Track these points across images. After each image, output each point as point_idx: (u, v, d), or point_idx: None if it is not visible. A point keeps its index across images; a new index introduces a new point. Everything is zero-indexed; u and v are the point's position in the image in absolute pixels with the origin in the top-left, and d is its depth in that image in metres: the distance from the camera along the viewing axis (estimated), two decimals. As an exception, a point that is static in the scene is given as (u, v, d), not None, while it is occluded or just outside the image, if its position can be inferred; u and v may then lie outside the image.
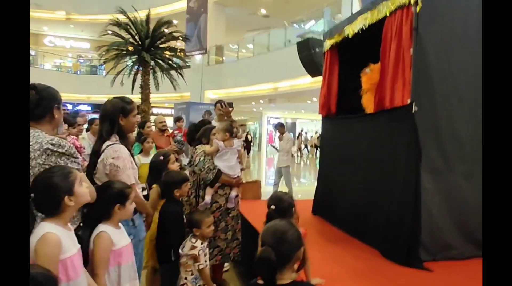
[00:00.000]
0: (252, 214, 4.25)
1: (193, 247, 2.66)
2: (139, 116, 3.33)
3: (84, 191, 1.73)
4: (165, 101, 18.99)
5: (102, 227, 2.04)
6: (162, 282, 2.96)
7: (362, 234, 3.61)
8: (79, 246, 1.74)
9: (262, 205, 5.63)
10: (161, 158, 3.28)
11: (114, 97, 2.70)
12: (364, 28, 3.62)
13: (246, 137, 21.43)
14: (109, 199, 2.05)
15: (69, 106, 18.98)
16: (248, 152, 21.04)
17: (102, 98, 17.43)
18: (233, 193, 3.33)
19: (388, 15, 3.27)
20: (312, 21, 14.27)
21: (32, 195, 1.55)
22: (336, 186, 4.36)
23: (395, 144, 3.26)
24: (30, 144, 1.77)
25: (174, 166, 3.24)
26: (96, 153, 2.40)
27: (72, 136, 4.38)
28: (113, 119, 2.43)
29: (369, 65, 3.89)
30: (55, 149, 1.79)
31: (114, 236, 2.06)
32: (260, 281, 1.59)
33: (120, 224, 2.20)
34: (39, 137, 1.80)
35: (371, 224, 3.49)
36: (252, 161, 19.88)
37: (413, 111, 2.99)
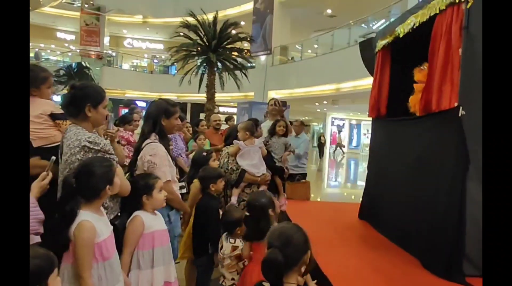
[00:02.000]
0: (296, 215, 4.28)
1: (235, 248, 2.67)
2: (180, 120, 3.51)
3: (118, 183, 1.97)
4: (230, 100, 19.52)
5: (137, 212, 2.29)
6: (198, 273, 3.10)
7: (405, 242, 3.46)
8: (111, 227, 1.99)
9: (309, 206, 5.62)
10: (204, 154, 3.43)
11: (159, 99, 2.88)
12: (414, 27, 3.46)
13: (319, 139, 21.32)
14: (136, 192, 2.26)
15: (143, 104, 20.24)
16: (322, 155, 20.89)
17: (172, 96, 18.40)
18: None
19: (438, 12, 3.09)
20: (382, 20, 13.76)
21: (73, 180, 1.80)
22: (382, 191, 4.22)
23: (441, 150, 3.08)
24: (71, 140, 1.98)
25: (214, 163, 3.37)
26: (137, 150, 2.60)
27: (127, 131, 4.74)
28: (156, 119, 2.61)
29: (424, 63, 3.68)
30: (91, 146, 1.98)
31: (149, 221, 2.27)
32: (266, 284, 1.59)
33: (156, 212, 2.38)
34: (79, 134, 2.00)
35: (414, 232, 3.34)
36: (314, 162, 19.71)
37: (460, 115, 2.80)
